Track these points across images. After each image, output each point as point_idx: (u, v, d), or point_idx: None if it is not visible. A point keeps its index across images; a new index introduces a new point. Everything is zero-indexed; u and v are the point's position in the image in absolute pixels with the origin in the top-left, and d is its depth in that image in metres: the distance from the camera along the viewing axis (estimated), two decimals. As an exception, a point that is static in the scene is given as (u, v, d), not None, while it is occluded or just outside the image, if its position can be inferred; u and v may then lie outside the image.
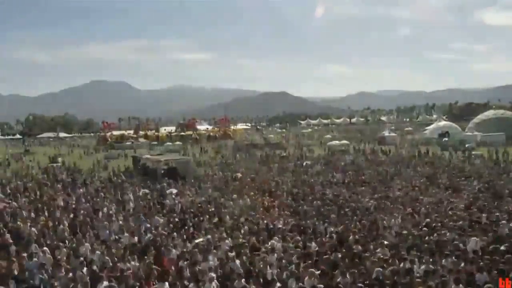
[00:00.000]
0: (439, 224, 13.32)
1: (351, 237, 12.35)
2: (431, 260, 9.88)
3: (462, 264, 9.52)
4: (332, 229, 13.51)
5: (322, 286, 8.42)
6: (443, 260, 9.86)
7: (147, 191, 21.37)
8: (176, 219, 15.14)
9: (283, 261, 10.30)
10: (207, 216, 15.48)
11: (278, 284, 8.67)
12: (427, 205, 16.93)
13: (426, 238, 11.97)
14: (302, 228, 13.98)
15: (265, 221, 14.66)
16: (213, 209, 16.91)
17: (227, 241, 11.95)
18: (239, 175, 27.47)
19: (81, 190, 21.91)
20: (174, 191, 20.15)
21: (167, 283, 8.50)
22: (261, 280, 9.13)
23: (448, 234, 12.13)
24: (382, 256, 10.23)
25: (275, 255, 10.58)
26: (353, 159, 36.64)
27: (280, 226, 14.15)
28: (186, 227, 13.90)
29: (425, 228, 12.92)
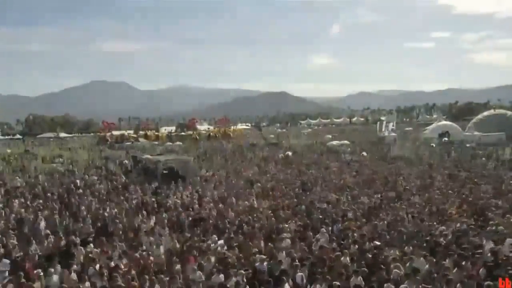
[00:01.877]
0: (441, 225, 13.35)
1: (350, 234, 12.48)
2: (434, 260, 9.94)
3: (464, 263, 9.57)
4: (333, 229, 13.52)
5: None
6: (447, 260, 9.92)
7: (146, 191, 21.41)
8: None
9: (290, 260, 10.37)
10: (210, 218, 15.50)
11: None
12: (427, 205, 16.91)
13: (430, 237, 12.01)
14: (307, 228, 13.96)
15: (271, 222, 14.64)
16: (216, 210, 16.89)
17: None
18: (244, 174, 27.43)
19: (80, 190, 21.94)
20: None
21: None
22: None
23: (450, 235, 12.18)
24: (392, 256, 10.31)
25: (283, 253, 10.64)
26: (351, 159, 36.66)
27: (286, 225, 14.16)
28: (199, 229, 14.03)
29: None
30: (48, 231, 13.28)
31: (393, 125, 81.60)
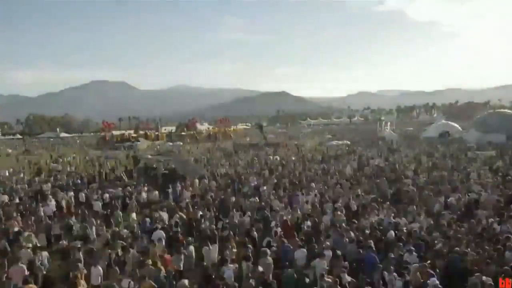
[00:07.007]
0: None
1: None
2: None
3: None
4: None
5: None
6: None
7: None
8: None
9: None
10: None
11: None
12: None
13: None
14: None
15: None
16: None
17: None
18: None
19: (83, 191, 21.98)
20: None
21: None
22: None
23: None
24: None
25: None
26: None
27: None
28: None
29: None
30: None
31: (393, 125, 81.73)
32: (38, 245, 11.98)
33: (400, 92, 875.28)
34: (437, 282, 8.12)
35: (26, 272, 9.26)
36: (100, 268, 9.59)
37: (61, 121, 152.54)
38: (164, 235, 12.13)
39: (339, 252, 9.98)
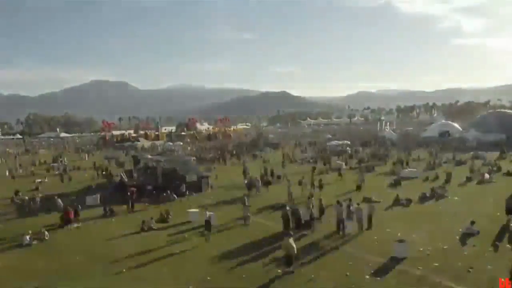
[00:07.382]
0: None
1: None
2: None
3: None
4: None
5: None
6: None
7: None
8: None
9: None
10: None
11: None
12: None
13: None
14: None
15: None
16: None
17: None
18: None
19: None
20: None
21: None
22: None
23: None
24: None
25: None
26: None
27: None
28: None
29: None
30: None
31: (393, 125, 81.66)
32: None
33: (400, 92, 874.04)
34: None
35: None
36: None
37: (62, 121, 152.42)
38: None
39: None
